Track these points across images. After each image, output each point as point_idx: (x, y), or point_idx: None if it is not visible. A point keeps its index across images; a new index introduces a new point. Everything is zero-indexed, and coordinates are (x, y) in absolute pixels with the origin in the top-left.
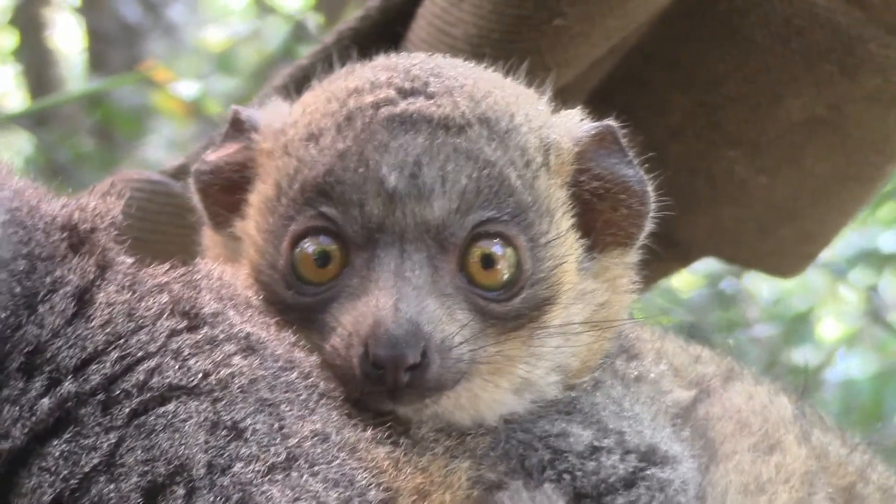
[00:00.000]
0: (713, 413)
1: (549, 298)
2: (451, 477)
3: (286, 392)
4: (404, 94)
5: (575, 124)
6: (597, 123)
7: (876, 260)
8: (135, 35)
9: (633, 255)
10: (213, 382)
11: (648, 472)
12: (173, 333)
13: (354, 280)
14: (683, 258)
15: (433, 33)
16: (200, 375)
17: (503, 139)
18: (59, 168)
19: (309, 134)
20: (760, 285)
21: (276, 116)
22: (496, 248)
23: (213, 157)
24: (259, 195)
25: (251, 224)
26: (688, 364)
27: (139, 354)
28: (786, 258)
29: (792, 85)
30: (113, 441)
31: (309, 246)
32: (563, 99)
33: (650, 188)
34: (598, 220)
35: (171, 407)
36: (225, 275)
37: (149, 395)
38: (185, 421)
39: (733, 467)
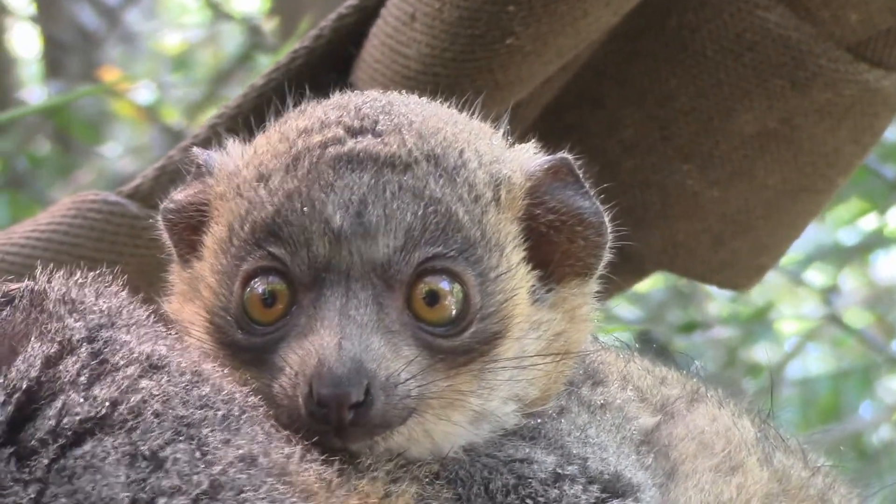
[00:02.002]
0: (676, 434)
1: (500, 332)
2: (391, 500)
3: (202, 409)
4: (352, 132)
5: (528, 158)
6: (550, 157)
7: (835, 255)
8: (92, 41)
9: (593, 285)
10: (125, 412)
11: (609, 496)
12: (49, 362)
13: (302, 319)
14: (637, 273)
15: (386, 53)
16: (108, 405)
17: (451, 175)
18: (17, 175)
19: (259, 175)
20: None
21: (230, 158)
22: (443, 284)
23: (178, 196)
24: (213, 237)
25: (206, 265)
26: (653, 387)
27: (40, 393)
28: (740, 271)
29: (744, 99)
30: (33, 494)
31: (258, 286)
32: (516, 116)
33: (607, 219)
34: (556, 252)
35: (88, 447)
36: (106, 296)
37: (62, 439)
38: (103, 460)
39: (693, 486)
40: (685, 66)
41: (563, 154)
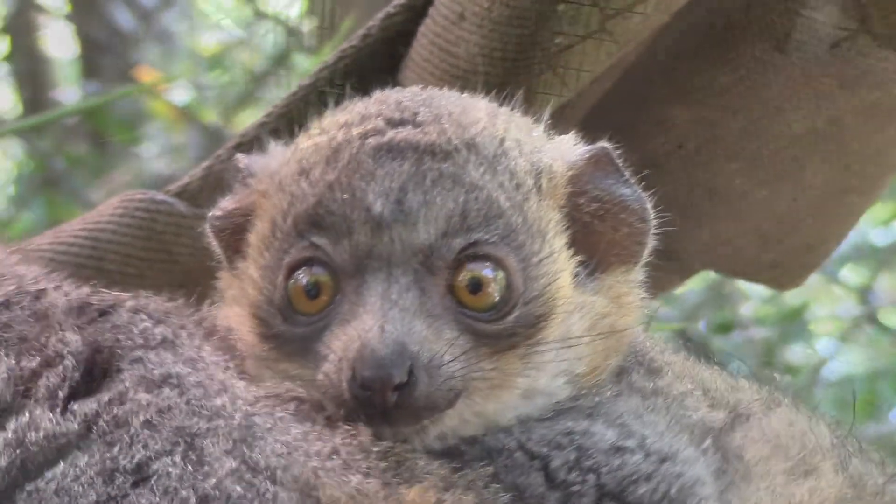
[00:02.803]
0: (751, 436)
1: (544, 315)
2: None
3: (212, 419)
4: (392, 124)
5: (568, 148)
6: (591, 146)
7: (871, 256)
8: (128, 42)
9: (639, 273)
10: (106, 423)
11: (666, 464)
12: (33, 375)
13: (345, 307)
14: (683, 272)
15: (435, 52)
16: (85, 419)
17: (491, 163)
18: (53, 175)
19: (301, 169)
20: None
21: (272, 158)
22: (486, 272)
23: (225, 203)
24: (257, 234)
25: (250, 263)
26: (724, 389)
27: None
28: (786, 270)
29: (792, 98)
30: None
31: (302, 277)
32: (564, 116)
33: (649, 206)
34: (601, 241)
35: (60, 468)
36: (167, 324)
37: (26, 453)
38: (76, 479)
39: (765, 487)
40: (733, 66)
41: (603, 143)
